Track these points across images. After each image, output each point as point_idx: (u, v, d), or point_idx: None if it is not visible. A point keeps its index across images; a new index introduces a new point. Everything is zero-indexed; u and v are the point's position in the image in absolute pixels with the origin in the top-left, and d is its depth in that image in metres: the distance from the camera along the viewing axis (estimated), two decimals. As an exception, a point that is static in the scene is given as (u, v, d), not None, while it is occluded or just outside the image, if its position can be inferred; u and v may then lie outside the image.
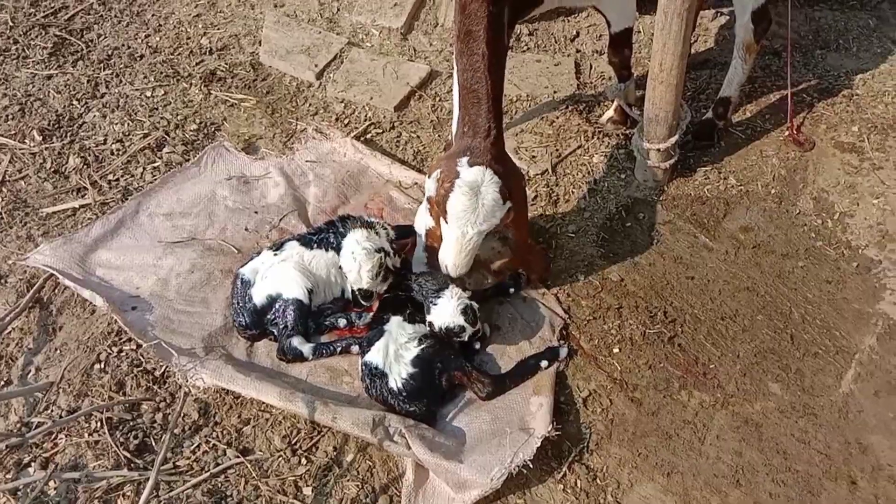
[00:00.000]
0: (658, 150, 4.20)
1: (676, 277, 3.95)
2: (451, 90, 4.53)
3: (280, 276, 3.70)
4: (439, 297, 3.46)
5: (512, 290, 3.87)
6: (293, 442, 3.38)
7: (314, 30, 5.42)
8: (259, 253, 3.85)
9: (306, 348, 3.64)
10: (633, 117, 4.56)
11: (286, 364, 3.65)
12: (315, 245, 3.80)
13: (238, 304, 3.73)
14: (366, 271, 3.61)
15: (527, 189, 4.36)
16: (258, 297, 3.69)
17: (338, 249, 3.79)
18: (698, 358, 3.60)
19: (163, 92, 5.08)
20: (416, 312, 3.55)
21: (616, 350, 3.67)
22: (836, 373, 3.52)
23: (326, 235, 3.83)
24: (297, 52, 5.22)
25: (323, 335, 3.76)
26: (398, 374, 3.34)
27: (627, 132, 4.68)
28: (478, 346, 3.66)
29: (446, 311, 3.42)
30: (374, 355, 3.39)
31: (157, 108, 4.98)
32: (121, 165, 4.62)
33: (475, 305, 3.46)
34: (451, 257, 3.42)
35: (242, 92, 5.10)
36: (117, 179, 4.55)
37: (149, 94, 5.08)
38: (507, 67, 5.09)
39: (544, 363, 3.56)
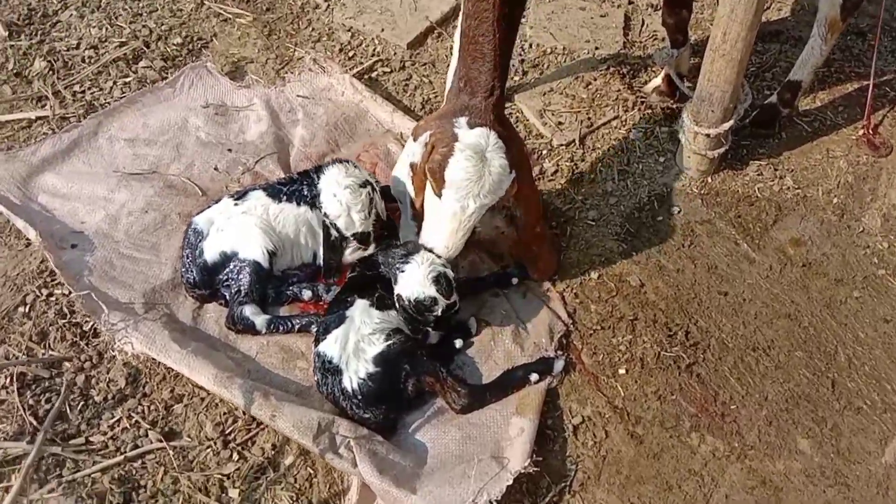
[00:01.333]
0: (707, 135, 3.53)
1: (707, 291, 3.34)
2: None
3: (238, 231, 3.14)
4: (407, 263, 2.89)
5: (515, 280, 3.29)
6: (227, 431, 2.87)
7: (332, -58, 4.71)
8: (218, 200, 3.28)
9: (259, 320, 3.10)
10: (682, 91, 3.87)
11: (235, 335, 3.13)
12: (284, 197, 3.22)
13: (188, 257, 3.18)
14: (356, 212, 3.12)
15: (545, 162, 3.75)
16: (210, 252, 3.14)
17: (311, 204, 3.22)
18: (718, 394, 3.02)
19: (149, -2, 4.45)
20: (386, 296, 2.98)
21: (622, 371, 3.09)
22: (880, 436, 2.93)
23: (299, 187, 3.24)
24: (307, -33, 4.53)
25: (283, 307, 3.23)
26: (355, 372, 2.80)
27: (674, 107, 4.00)
28: (458, 344, 3.10)
29: (414, 279, 2.87)
30: (330, 346, 2.84)
31: (140, 14, 4.37)
32: (90, 76, 4.04)
33: (450, 274, 2.89)
34: (445, 236, 2.84)
35: (239, 6, 4.46)
36: (83, 91, 3.98)
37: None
38: (544, 12, 4.41)
39: (534, 376, 2.99)
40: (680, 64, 3.89)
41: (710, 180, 3.75)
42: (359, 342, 2.84)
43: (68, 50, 4.16)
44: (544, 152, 3.82)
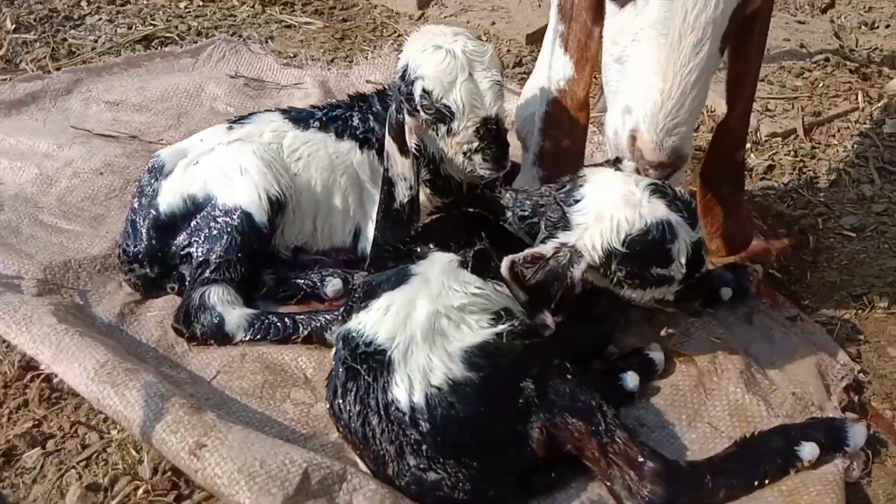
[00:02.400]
0: None
1: None
2: None
3: (222, 164, 1.74)
4: (581, 184, 1.45)
5: (727, 291, 1.70)
6: (107, 508, 1.28)
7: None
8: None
9: (234, 316, 1.62)
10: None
11: (184, 344, 1.61)
12: (316, 124, 1.84)
13: (134, 210, 1.78)
14: (483, 69, 1.62)
15: (750, 156, 2.33)
16: (170, 196, 1.74)
17: (364, 142, 1.83)
18: None
19: (200, 2, 3.52)
20: (493, 256, 1.43)
21: None
22: None
23: (346, 113, 1.87)
24: (400, -24, 3.55)
25: (286, 303, 1.72)
26: (423, 374, 1.23)
27: (942, 112, 2.54)
28: (632, 384, 1.48)
29: (611, 198, 1.39)
30: (374, 318, 1.29)
31: (183, 17, 3.39)
32: (93, 52, 3.00)
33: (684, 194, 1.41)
34: (659, 75, 1.33)
35: (310, 16, 3.45)
36: (75, 66, 2.89)
37: (182, 4, 3.52)
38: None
39: (808, 449, 1.32)
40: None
41: None
42: (436, 319, 1.28)
43: (80, 42, 3.16)
44: (747, 145, 2.36)
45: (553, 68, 1.72)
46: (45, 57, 3.02)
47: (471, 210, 1.52)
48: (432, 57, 1.60)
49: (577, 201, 1.41)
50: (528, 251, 1.39)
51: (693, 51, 1.29)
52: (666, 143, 1.35)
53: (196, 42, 3.01)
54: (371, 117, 1.85)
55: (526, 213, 1.49)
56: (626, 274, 1.39)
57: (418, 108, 1.62)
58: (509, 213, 1.50)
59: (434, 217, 1.58)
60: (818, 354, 1.58)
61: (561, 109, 1.72)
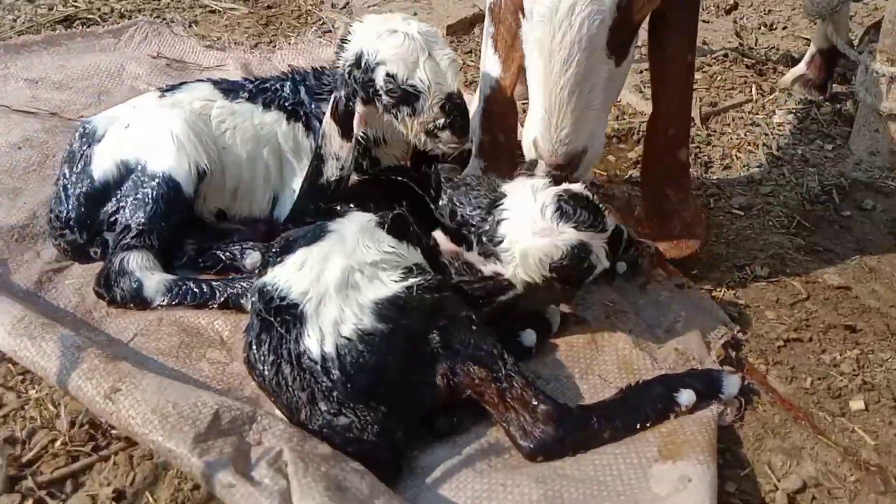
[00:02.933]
0: (912, 85, 2.25)
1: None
2: None
3: (152, 130, 1.78)
4: (499, 199, 1.58)
5: (622, 267, 1.84)
6: None
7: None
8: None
9: (153, 281, 1.66)
10: (850, 56, 2.62)
11: (104, 308, 1.65)
12: (244, 95, 1.90)
13: (64, 176, 1.81)
14: (443, 53, 1.67)
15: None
16: (103, 161, 1.77)
17: (292, 114, 1.90)
18: None
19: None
20: (409, 221, 1.54)
21: (857, 405, 1.54)
22: None
23: (276, 85, 1.93)
24: (325, -34, 3.62)
25: (206, 273, 1.77)
26: (334, 325, 1.31)
27: (822, 102, 2.75)
28: (529, 340, 1.59)
29: (522, 220, 1.51)
30: (288, 272, 1.37)
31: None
32: (11, 31, 2.96)
33: (581, 189, 1.53)
34: (546, 90, 1.45)
35: (235, 2, 3.47)
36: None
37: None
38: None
39: (686, 395, 1.46)
40: (839, 22, 2.69)
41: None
42: (350, 273, 1.37)
43: (-1, 23, 3.12)
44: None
45: (486, 67, 1.83)
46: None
47: (398, 179, 1.61)
48: (390, 41, 1.63)
49: (499, 241, 1.51)
50: (465, 260, 1.55)
51: (562, 68, 1.39)
52: (559, 151, 1.49)
53: (118, 24, 3.02)
54: (303, 89, 1.90)
55: (456, 212, 1.61)
56: (560, 281, 1.51)
57: (381, 93, 1.65)
58: (444, 201, 1.61)
59: (360, 180, 1.66)
60: (701, 316, 1.73)
61: (493, 106, 1.82)
